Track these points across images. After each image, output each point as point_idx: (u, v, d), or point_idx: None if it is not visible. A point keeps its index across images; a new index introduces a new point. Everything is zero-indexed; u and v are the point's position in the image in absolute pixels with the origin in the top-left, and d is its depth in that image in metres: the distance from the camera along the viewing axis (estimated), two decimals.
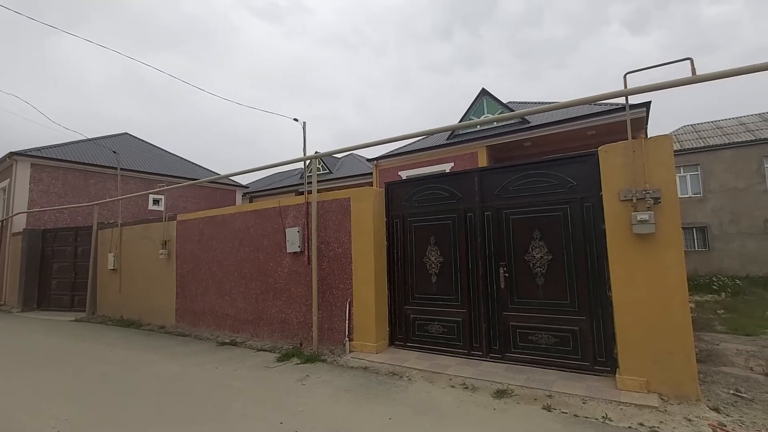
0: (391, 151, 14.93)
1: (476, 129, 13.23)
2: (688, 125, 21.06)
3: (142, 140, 19.16)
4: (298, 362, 5.40)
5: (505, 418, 3.51)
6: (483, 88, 13.58)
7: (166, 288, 8.59)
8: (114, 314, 9.89)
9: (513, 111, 12.34)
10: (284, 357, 5.65)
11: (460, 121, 13.61)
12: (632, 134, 4.20)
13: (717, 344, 5.84)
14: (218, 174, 13.80)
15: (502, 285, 4.97)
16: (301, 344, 6.19)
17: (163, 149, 19.45)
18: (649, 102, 9.97)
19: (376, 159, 14.92)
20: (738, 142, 17.14)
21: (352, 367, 5.14)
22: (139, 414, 3.85)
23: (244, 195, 20.78)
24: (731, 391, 3.96)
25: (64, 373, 5.34)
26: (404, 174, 13.84)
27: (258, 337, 6.85)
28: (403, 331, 5.77)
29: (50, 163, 13.83)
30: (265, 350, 6.16)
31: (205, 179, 8.99)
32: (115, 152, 13.14)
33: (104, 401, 4.21)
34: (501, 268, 5.00)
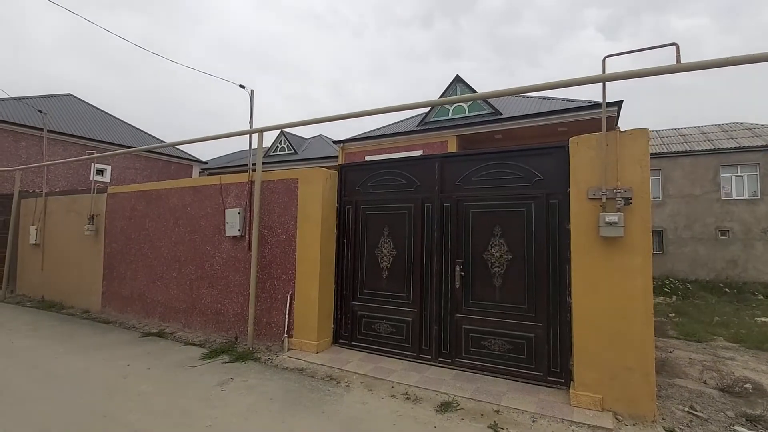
0: (359, 135, 14.25)
1: (447, 117, 12.76)
2: (653, 131, 21.56)
3: (88, 104, 17.43)
4: (227, 360, 4.78)
5: None
6: (457, 75, 13.10)
7: (93, 268, 7.66)
8: (35, 294, 8.82)
9: (486, 101, 11.97)
10: (212, 354, 5.01)
11: (433, 109, 13.08)
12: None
13: (671, 352, 5.70)
14: (164, 142, 12.61)
15: (457, 284, 4.53)
16: (236, 339, 5.56)
17: (111, 115, 17.80)
18: (621, 101, 9.82)
19: (343, 141, 14.21)
20: (697, 151, 17.63)
21: (286, 368, 4.58)
22: None
23: (201, 171, 19.48)
24: (686, 409, 3.71)
25: None
26: (371, 159, 13.22)
27: (190, 328, 6.14)
28: (349, 328, 5.26)
29: None
30: (194, 344, 5.49)
31: (141, 148, 8.01)
32: (40, 111, 11.64)
33: None
34: (457, 266, 4.55)
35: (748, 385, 4.30)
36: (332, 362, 4.68)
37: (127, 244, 7.18)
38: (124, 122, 18.15)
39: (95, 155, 7.93)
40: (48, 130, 11.73)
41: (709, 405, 3.84)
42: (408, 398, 3.77)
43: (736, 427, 3.41)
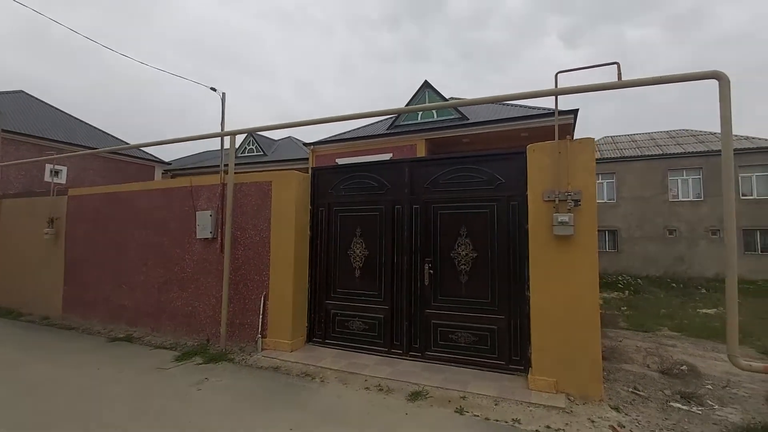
0: (329, 137, 14.35)
1: (417, 121, 13.12)
2: (608, 136, 22.91)
3: (42, 101, 16.52)
4: (200, 362, 4.81)
5: (415, 424, 3.30)
6: (426, 81, 13.49)
7: (53, 273, 7.37)
8: None
9: (455, 106, 12.40)
10: (185, 356, 5.01)
11: (402, 113, 13.40)
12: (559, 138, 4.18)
13: (620, 341, 6.22)
14: (127, 144, 12.20)
15: (426, 282, 4.79)
16: (208, 341, 5.57)
17: (67, 113, 16.94)
18: (577, 109, 10.48)
19: (313, 144, 14.26)
20: (647, 156, 18.96)
21: (261, 367, 4.67)
22: None
23: (164, 172, 18.85)
24: (630, 389, 4.13)
25: None
26: (342, 161, 13.36)
27: (159, 332, 6.07)
28: (323, 327, 5.40)
29: None
30: (165, 348, 5.45)
31: (106, 149, 7.78)
32: None
33: None
34: (426, 264, 4.81)
35: (684, 368, 4.81)
36: (307, 360, 4.81)
37: (91, 248, 6.98)
38: (81, 121, 17.30)
39: (55, 156, 7.65)
40: (1, 129, 11.11)
41: (650, 385, 4.29)
42: (381, 389, 3.98)
43: (672, 403, 3.85)
